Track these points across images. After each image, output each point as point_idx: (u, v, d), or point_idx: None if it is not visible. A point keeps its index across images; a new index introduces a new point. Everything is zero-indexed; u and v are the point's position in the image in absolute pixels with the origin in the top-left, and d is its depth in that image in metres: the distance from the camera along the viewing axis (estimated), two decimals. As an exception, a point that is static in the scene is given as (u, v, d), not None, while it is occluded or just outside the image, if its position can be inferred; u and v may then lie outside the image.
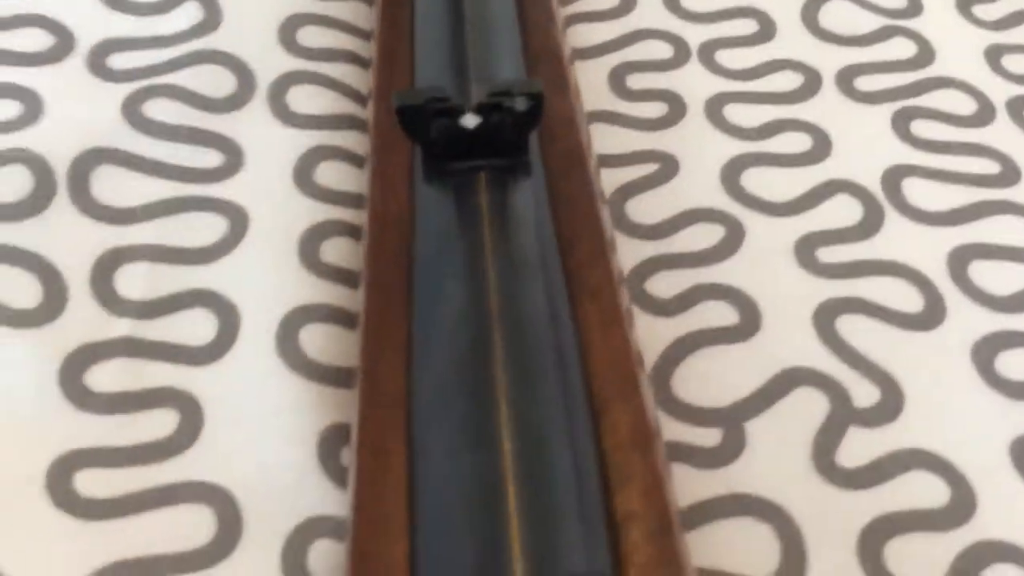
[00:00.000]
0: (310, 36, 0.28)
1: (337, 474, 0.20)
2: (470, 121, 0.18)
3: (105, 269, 0.23)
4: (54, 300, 0.22)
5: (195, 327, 0.22)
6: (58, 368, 0.21)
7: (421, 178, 0.19)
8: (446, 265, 0.18)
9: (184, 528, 0.19)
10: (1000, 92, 0.28)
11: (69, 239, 0.23)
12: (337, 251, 0.24)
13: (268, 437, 0.21)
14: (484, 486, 0.15)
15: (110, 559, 0.19)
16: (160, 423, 0.21)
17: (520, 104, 0.18)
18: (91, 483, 0.20)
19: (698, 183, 0.26)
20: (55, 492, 0.19)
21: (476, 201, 0.19)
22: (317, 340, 0.22)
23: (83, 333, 0.22)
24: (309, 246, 0.24)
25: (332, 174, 0.25)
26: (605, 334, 0.18)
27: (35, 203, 0.23)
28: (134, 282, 0.23)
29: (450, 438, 0.15)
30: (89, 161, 0.24)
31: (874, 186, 0.26)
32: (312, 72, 0.27)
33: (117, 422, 0.21)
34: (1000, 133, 0.27)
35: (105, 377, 0.21)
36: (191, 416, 0.21)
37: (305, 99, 0.26)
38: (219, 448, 0.20)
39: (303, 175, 0.25)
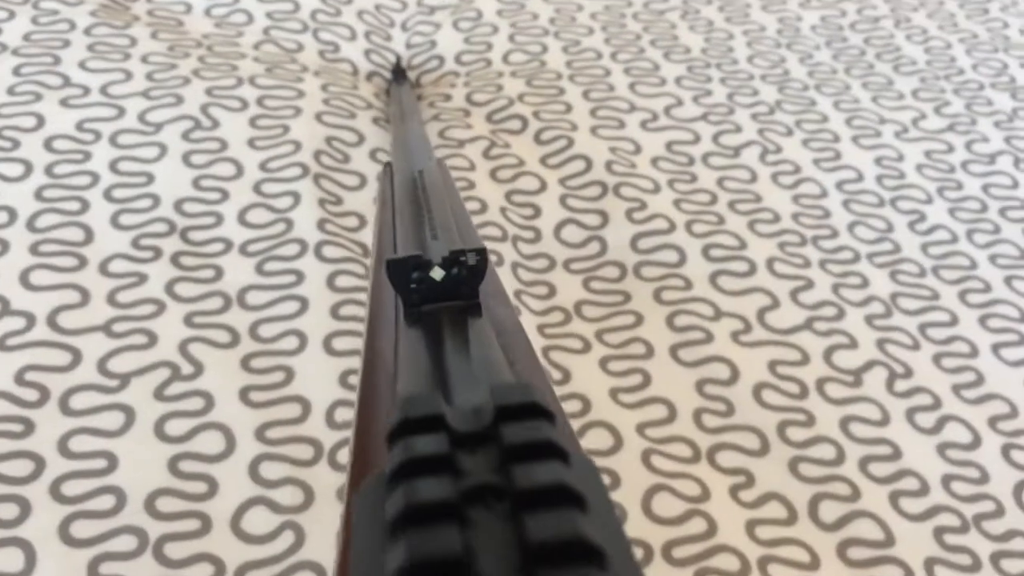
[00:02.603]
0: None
1: None
2: (437, 273, 0.25)
3: None
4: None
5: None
6: None
7: (403, 323, 0.26)
8: (417, 376, 0.23)
9: None
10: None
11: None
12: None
13: None
14: None
15: None
16: None
17: (471, 259, 0.25)
18: None
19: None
20: None
21: (441, 333, 0.24)
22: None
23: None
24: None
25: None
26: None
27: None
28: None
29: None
30: None
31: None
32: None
33: None
34: (775, 464, 0.43)
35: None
36: None
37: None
38: None
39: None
